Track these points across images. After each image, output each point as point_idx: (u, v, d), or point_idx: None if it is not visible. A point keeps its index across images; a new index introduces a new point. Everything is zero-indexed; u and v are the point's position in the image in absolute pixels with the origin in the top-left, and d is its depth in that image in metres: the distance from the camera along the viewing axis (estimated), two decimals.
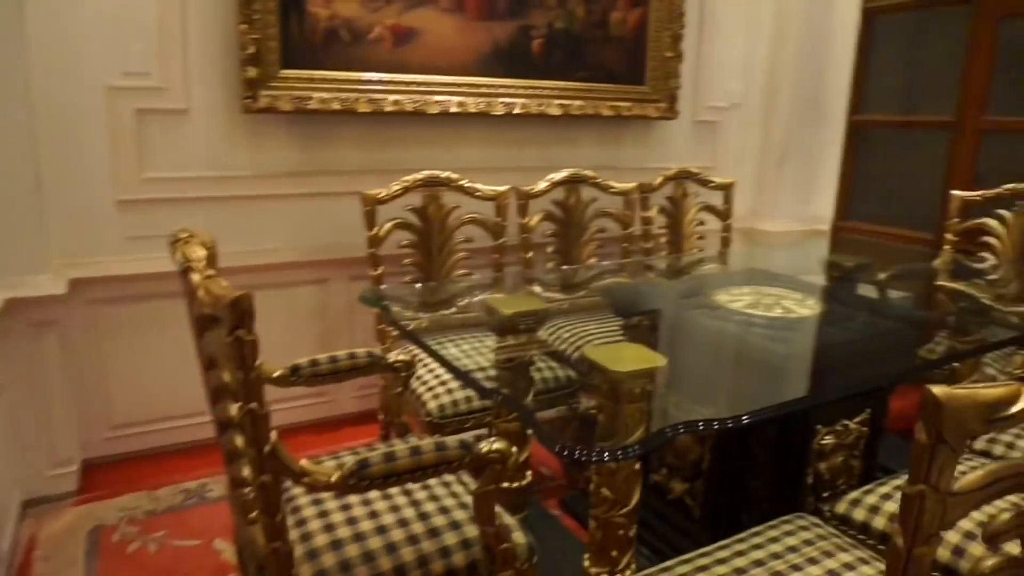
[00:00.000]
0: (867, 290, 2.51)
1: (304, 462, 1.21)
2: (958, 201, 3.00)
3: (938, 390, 0.76)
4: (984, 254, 2.90)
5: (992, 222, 2.89)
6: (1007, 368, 2.47)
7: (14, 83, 2.19)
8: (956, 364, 2.15)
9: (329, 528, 1.41)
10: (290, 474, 1.20)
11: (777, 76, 3.87)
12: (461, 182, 2.64)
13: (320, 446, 2.75)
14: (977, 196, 2.96)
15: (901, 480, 1.62)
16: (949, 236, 3.03)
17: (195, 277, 1.27)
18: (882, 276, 2.69)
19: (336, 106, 2.74)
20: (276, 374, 1.68)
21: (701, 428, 1.20)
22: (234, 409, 1.31)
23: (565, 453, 1.18)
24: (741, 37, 3.77)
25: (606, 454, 1.15)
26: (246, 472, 1.31)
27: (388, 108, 2.84)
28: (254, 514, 1.32)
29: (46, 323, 2.34)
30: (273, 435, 1.18)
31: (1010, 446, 1.82)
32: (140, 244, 2.55)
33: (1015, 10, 3.07)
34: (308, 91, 2.70)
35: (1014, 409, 0.78)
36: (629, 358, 1.57)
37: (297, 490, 1.51)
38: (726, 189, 3.31)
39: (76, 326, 2.48)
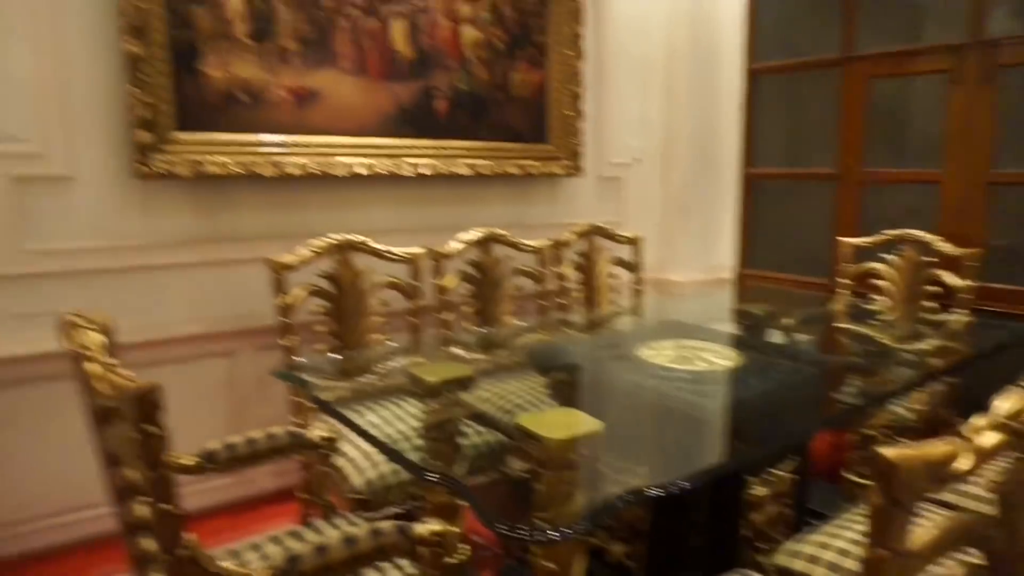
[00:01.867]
0: (777, 337, 2.60)
1: (227, 564, 1.10)
2: (847, 247, 3.20)
3: (890, 452, 0.77)
4: (875, 296, 3.08)
5: (880, 266, 3.08)
6: (907, 404, 2.59)
7: None
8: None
9: None
10: None
11: (673, 133, 4.05)
12: (375, 245, 2.58)
13: (237, 531, 2.54)
14: (864, 242, 3.16)
15: (832, 526, 1.65)
16: (842, 280, 3.21)
17: (92, 367, 1.15)
18: (789, 322, 2.80)
19: (237, 170, 2.64)
20: (187, 462, 1.55)
21: (654, 495, 1.17)
22: (143, 509, 1.18)
23: (508, 533, 1.12)
24: (636, 96, 3.93)
25: (549, 532, 1.10)
26: None
27: (292, 171, 2.76)
28: None
29: None
30: (191, 537, 1.07)
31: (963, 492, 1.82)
32: (24, 322, 2.33)
33: (882, 72, 3.35)
34: (206, 155, 2.59)
35: (960, 466, 0.79)
36: (564, 424, 1.54)
37: None
38: (634, 243, 3.40)
39: None
